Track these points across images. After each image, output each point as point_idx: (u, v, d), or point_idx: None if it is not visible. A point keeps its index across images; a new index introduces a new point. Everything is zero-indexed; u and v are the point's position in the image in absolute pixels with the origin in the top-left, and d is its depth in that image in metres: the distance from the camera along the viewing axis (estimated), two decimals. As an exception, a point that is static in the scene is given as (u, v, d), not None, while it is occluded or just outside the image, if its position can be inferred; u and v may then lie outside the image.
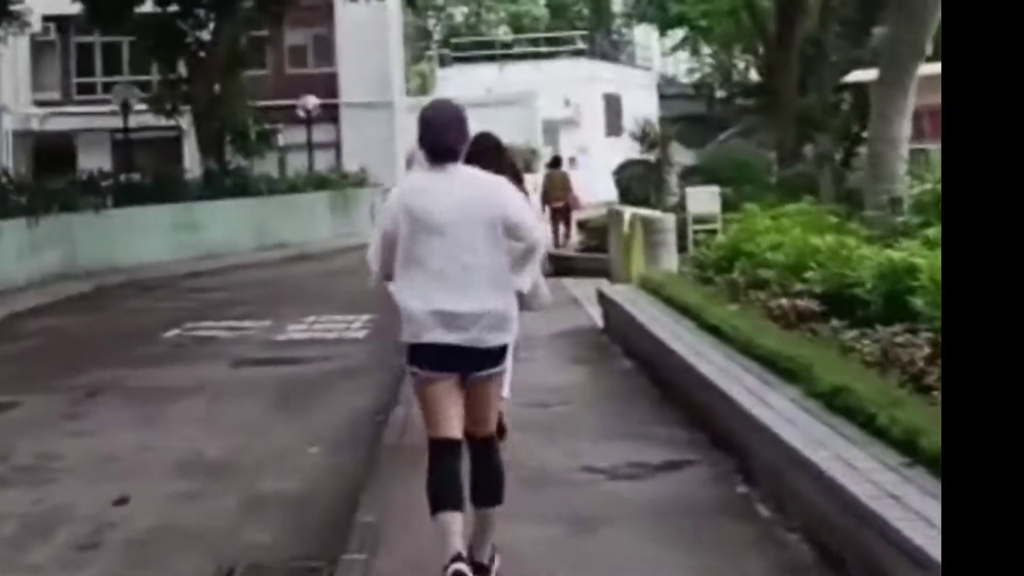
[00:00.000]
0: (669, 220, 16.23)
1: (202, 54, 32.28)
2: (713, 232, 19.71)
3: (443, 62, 58.66)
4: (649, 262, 15.95)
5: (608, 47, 64.88)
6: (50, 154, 38.70)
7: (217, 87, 32.45)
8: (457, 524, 5.50)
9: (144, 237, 27.88)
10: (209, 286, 24.96)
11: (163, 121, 34.36)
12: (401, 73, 45.91)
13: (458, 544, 5.47)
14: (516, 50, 60.11)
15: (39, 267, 24.25)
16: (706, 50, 58.23)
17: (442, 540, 5.48)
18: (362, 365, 14.20)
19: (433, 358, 5.56)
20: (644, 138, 25.41)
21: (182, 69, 33.15)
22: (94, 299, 23.17)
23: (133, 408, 11.93)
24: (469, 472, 5.78)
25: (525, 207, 5.84)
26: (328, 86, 41.14)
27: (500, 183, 5.76)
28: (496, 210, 5.57)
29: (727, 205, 21.36)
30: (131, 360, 15.15)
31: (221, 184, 31.72)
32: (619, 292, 14.14)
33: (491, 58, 57.27)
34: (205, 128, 32.46)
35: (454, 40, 62.25)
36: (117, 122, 34.40)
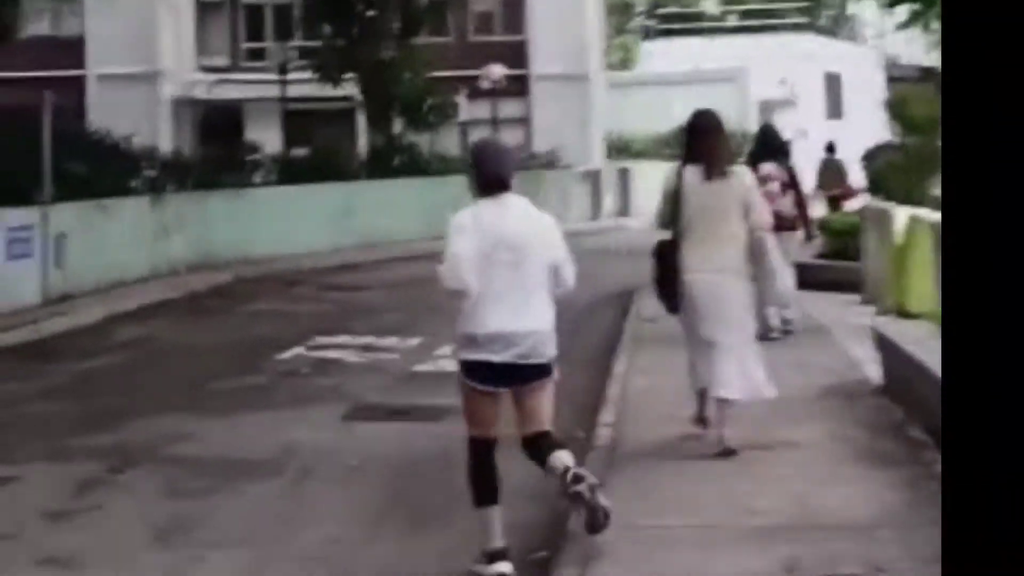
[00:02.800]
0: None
1: (371, 14, 28.34)
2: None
3: (647, 35, 53.80)
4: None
5: (828, 22, 59.25)
6: (216, 125, 35.30)
7: (388, 53, 28.50)
8: (498, 517, 6.12)
9: (296, 221, 23.95)
10: (360, 283, 20.90)
11: (338, 91, 30.68)
12: (599, 44, 41.31)
13: (500, 540, 6.09)
14: (727, 23, 54.96)
15: (166, 255, 20.47)
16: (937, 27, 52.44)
17: (485, 531, 6.10)
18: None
19: (490, 375, 6.03)
20: (904, 117, 20.37)
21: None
22: (219, 297, 19.28)
23: (161, 502, 7.75)
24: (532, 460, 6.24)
25: (567, 255, 6.25)
26: (517, 56, 36.76)
27: (550, 222, 6.30)
28: (551, 250, 6.16)
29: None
30: (213, 401, 11.05)
31: (389, 162, 27.71)
32: (909, 337, 9.40)
33: (699, 32, 52.21)
34: (373, 99, 28.58)
35: (660, 11, 57.35)
36: (290, 91, 30.89)
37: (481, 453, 6.16)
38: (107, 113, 30.99)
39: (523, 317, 6.00)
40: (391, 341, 14.39)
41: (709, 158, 7.85)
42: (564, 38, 36.96)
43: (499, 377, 6.02)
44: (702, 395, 8.17)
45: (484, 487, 6.13)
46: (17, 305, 15.85)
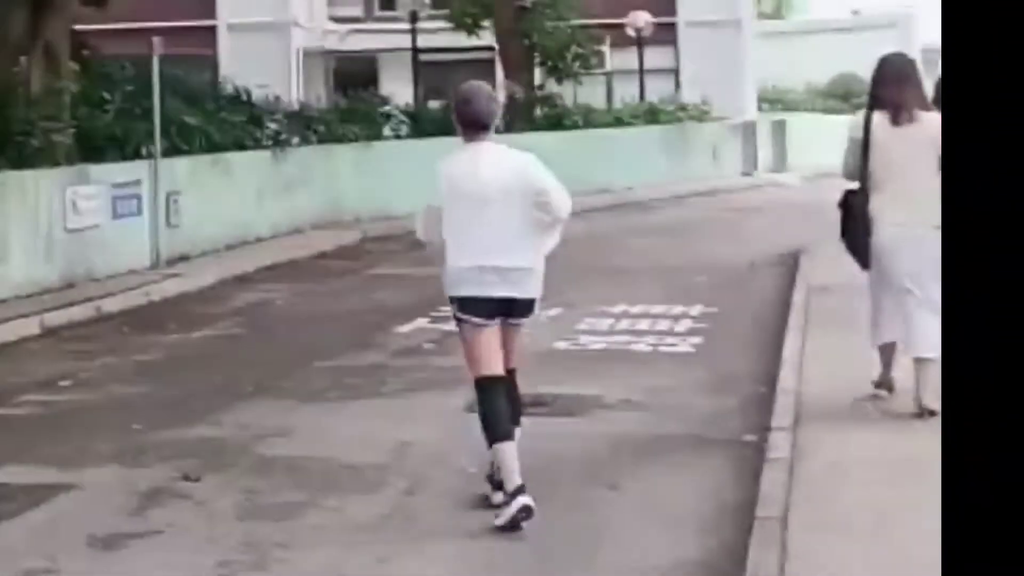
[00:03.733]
0: None
1: (511, -44, 26.84)
2: None
3: (802, -20, 51.44)
4: None
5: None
6: (349, 77, 34.00)
7: (527, -2, 27.01)
8: (514, 453, 6.14)
9: (428, 176, 22.45)
10: (497, 244, 19.41)
11: (476, 40, 29.22)
12: (752, -11, 39.15)
13: (519, 477, 6.05)
14: (888, -33, 52.22)
15: (289, 212, 19.17)
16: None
17: (503, 468, 6.10)
18: (687, 428, 8.19)
19: (481, 308, 6.25)
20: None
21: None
22: (344, 258, 17.97)
23: (235, 525, 6.30)
24: None
25: (555, 184, 6.34)
26: (664, 2, 34.78)
27: (529, 159, 6.41)
28: (529, 185, 6.27)
29: None
30: (320, 383, 9.68)
31: (528, 114, 26.13)
32: None
33: (858, -25, 49.61)
34: (510, 47, 27.02)
35: (815, -44, 54.80)
36: (425, 41, 29.50)
37: (489, 392, 6.28)
38: (239, 64, 29.99)
39: (506, 254, 6.21)
40: (527, 311, 12.88)
41: (897, 103, 7.47)
42: (714, -17, 34.91)
43: (490, 310, 6.25)
44: (885, 352, 7.89)
45: (497, 427, 6.20)
46: (124, 267, 14.68)
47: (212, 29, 31.95)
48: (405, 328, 11.97)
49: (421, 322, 12.21)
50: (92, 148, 14.53)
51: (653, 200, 26.23)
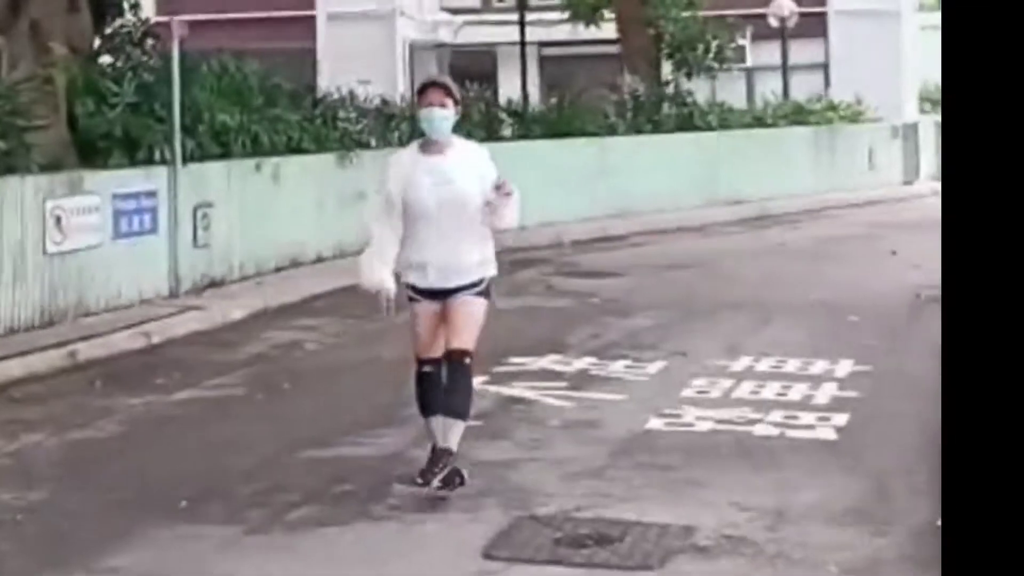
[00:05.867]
0: None
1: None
2: None
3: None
4: None
5: None
6: (465, 72, 31.21)
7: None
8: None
9: (536, 183, 19.34)
10: (606, 266, 16.36)
11: (600, 33, 26.41)
12: (912, -25, 35.49)
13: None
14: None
15: (357, 226, 16.25)
16: None
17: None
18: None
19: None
20: None
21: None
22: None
23: None
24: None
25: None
26: (813, -10, 31.42)
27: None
28: None
29: None
30: (297, 490, 6.82)
31: (653, 113, 23.06)
32: None
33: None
34: (633, 38, 24.08)
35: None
36: (547, 34, 26.87)
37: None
38: (339, 58, 27.59)
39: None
40: (620, 367, 9.89)
41: None
42: (869, -32, 31.44)
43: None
44: None
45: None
46: (132, 298, 11.95)
47: (311, 20, 29.49)
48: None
49: (477, 381, 9.16)
50: (92, 151, 11.81)
51: (798, 213, 22.99)
